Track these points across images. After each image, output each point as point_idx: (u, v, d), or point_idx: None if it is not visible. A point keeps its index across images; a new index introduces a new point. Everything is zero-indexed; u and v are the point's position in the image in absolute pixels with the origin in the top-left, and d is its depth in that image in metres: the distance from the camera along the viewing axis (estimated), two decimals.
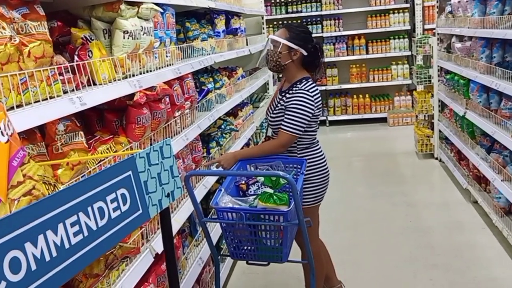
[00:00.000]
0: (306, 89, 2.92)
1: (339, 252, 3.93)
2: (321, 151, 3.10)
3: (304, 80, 2.97)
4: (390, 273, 3.80)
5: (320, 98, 3.02)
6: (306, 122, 2.90)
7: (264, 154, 2.95)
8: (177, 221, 2.78)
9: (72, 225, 0.85)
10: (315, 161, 3.03)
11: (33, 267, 0.76)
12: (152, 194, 1.09)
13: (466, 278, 3.63)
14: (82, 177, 1.81)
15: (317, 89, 2.99)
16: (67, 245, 0.83)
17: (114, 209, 0.96)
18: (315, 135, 3.09)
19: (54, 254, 0.80)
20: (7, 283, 0.70)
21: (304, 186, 2.96)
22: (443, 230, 4.46)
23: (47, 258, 0.79)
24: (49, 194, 1.00)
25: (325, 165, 3.10)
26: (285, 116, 2.91)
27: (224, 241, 3.83)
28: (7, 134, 0.95)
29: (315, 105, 2.94)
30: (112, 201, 0.96)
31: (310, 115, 2.91)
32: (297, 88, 2.95)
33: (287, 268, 3.60)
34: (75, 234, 0.86)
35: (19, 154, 0.96)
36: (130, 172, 1.02)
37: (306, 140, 3.03)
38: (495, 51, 4.37)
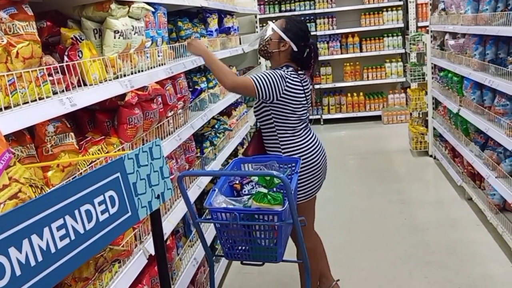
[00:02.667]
0: (282, 69, 2.96)
1: (333, 250, 3.92)
2: (307, 145, 3.03)
3: (284, 67, 3.00)
4: (385, 271, 3.79)
5: (299, 84, 2.99)
6: (271, 84, 2.87)
7: (221, 73, 2.89)
8: (171, 222, 2.76)
9: (59, 228, 0.83)
10: (300, 155, 2.98)
11: (18, 272, 0.74)
12: (141, 196, 1.07)
13: (461, 275, 3.63)
14: (72, 178, 1.79)
15: (295, 75, 2.98)
16: (53, 249, 0.81)
17: (102, 212, 0.95)
18: (297, 126, 3.02)
19: (40, 258, 0.78)
20: None
21: None
22: (438, 228, 4.46)
23: (32, 263, 0.77)
24: (36, 197, 0.98)
25: (313, 159, 3.03)
26: None
27: (218, 241, 3.82)
28: None
29: (289, 82, 2.93)
30: (100, 203, 0.94)
31: (277, 83, 2.88)
32: (274, 69, 3.00)
33: (282, 268, 3.59)
34: (62, 238, 0.84)
35: (4, 157, 0.94)
36: (118, 174, 1.01)
37: (287, 131, 3.00)
38: (488, 48, 4.37)
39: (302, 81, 3.03)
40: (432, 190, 5.62)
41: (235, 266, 4.01)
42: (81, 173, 1.87)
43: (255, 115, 3.15)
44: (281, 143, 3.03)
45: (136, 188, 1.05)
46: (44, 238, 0.80)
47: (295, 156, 2.99)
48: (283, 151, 3.02)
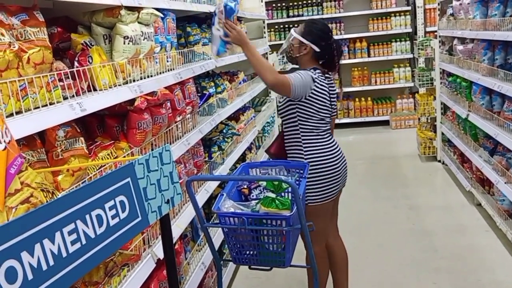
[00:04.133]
0: (310, 71, 3.00)
1: None
2: (329, 148, 3.04)
3: (312, 70, 3.03)
4: (393, 276, 3.78)
5: (326, 87, 3.03)
6: (304, 83, 2.92)
7: (261, 67, 2.88)
8: (179, 226, 2.77)
9: (70, 233, 0.84)
10: (317, 158, 3.00)
11: (30, 276, 0.75)
12: (151, 201, 1.08)
13: (470, 281, 3.61)
14: (82, 183, 1.81)
15: (322, 77, 3.03)
16: (64, 254, 0.82)
17: (113, 217, 0.96)
18: (320, 127, 3.03)
19: (51, 263, 0.79)
20: None
21: (308, 182, 2.97)
22: (446, 233, 4.43)
23: (44, 267, 0.78)
24: (47, 201, 0.99)
25: (334, 163, 3.03)
26: None
27: (226, 246, 3.82)
28: (4, 141, 0.94)
29: (317, 83, 2.97)
30: (110, 208, 0.95)
31: (308, 81, 2.93)
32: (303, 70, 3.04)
33: (290, 273, 3.59)
34: (73, 243, 0.85)
35: (16, 162, 0.95)
36: (129, 179, 1.02)
37: (311, 130, 3.01)
38: (497, 53, 4.36)
39: (329, 85, 3.07)
40: (441, 195, 5.59)
41: (242, 271, 4.01)
42: (90, 178, 1.89)
43: (280, 114, 3.17)
44: (304, 144, 3.02)
45: (146, 193, 1.06)
46: (55, 242, 0.81)
47: (317, 158, 3.00)
48: (305, 152, 3.01)
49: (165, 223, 1.21)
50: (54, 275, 0.79)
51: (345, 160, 3.16)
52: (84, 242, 0.87)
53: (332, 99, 3.11)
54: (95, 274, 1.18)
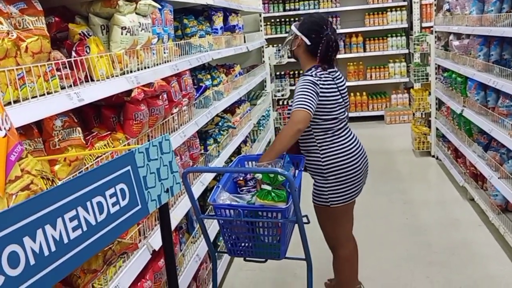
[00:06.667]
0: (311, 74, 2.90)
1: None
2: (347, 146, 2.94)
3: (313, 68, 2.95)
4: (388, 270, 3.80)
5: (332, 84, 2.93)
6: (312, 97, 2.79)
7: (284, 141, 2.75)
8: (175, 218, 2.78)
9: (71, 219, 0.85)
10: (336, 159, 2.91)
11: (32, 261, 0.75)
12: (151, 189, 1.08)
13: (463, 275, 3.64)
14: (79, 173, 1.81)
15: (326, 74, 2.93)
16: (66, 240, 0.83)
17: (113, 204, 0.96)
18: (334, 127, 2.93)
19: (53, 248, 0.79)
20: (5, 277, 0.70)
21: (330, 184, 2.93)
22: (440, 228, 4.46)
23: (46, 252, 0.78)
24: (47, 189, 0.99)
25: (353, 161, 2.94)
26: (293, 98, 2.88)
27: (221, 238, 3.83)
28: (4, 128, 0.94)
29: (321, 84, 2.86)
30: (111, 196, 0.95)
31: (314, 92, 2.81)
32: (304, 76, 2.94)
33: (283, 265, 3.61)
34: (74, 229, 0.85)
35: (17, 149, 0.95)
36: (129, 167, 1.02)
37: (326, 132, 2.92)
38: (492, 49, 4.37)
39: (335, 79, 2.98)
40: (434, 190, 5.63)
41: (236, 264, 4.02)
42: (87, 168, 1.89)
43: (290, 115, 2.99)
44: (320, 147, 2.93)
45: (146, 181, 1.07)
46: (57, 228, 0.81)
47: (335, 159, 2.91)
48: (321, 155, 2.92)
49: (164, 212, 1.21)
50: (55, 261, 0.79)
51: (365, 155, 3.07)
52: (85, 228, 0.88)
53: (342, 93, 3.00)
54: (94, 262, 1.19)
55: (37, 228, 0.77)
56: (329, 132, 2.93)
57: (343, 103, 2.98)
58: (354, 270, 3.24)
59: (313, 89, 2.82)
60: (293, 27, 3.05)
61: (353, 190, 2.98)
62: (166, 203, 1.19)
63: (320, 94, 2.86)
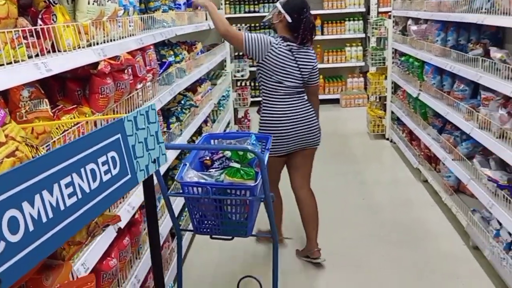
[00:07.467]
0: (274, 37, 3.48)
1: (293, 230, 4.01)
2: (280, 111, 3.45)
3: (279, 37, 3.47)
4: (344, 249, 3.89)
5: (288, 54, 3.41)
6: (257, 44, 3.38)
7: (218, 20, 3.46)
8: (139, 196, 2.73)
9: (67, 186, 0.81)
10: (268, 116, 3.48)
11: (31, 227, 0.72)
12: (139, 159, 1.05)
13: (417, 252, 3.77)
14: (47, 146, 1.74)
15: (284, 45, 3.41)
16: (62, 207, 0.79)
17: (105, 172, 0.92)
18: (275, 91, 3.45)
19: (51, 215, 0.76)
20: (6, 243, 0.66)
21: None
22: (395, 208, 4.60)
23: (44, 219, 0.75)
24: (32, 156, 0.95)
25: (277, 124, 3.44)
26: None
27: (183, 216, 3.81)
28: None
29: (274, 48, 3.39)
30: (103, 163, 0.92)
31: (263, 40, 3.39)
32: None
33: (243, 244, 3.63)
34: (70, 196, 0.81)
35: None
36: (119, 135, 0.98)
37: (266, 92, 3.49)
38: (449, 35, 4.50)
39: (295, 53, 3.42)
40: (389, 171, 5.78)
41: (197, 242, 4.01)
42: (54, 142, 1.82)
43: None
44: (263, 102, 3.53)
45: (135, 150, 1.03)
46: (54, 194, 0.78)
47: (268, 116, 3.48)
48: (262, 108, 3.52)
49: (148, 184, 1.18)
50: (53, 228, 0.76)
51: (298, 125, 3.48)
52: (80, 196, 0.84)
53: (302, 67, 3.45)
54: (78, 234, 1.15)
55: (35, 194, 0.73)
56: (273, 92, 3.47)
57: (298, 75, 3.45)
58: (277, 221, 3.64)
59: (264, 43, 3.39)
60: (278, 4, 3.51)
61: (278, 148, 3.47)
62: (151, 175, 1.16)
63: (270, 55, 3.39)
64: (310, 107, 3.55)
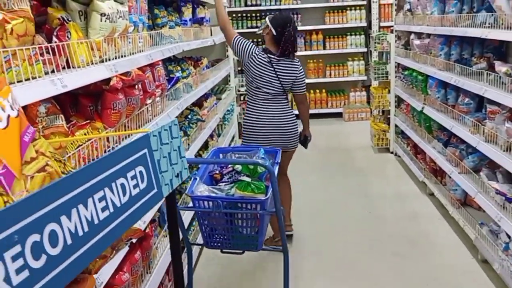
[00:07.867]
0: (258, 47, 3.93)
1: (299, 242, 4.00)
2: (256, 113, 3.86)
3: (262, 49, 3.93)
4: (350, 262, 3.88)
5: (266, 64, 3.81)
6: (242, 48, 3.86)
7: (220, 13, 4.02)
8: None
9: (100, 200, 0.82)
10: (246, 116, 3.94)
11: (69, 241, 0.73)
12: (164, 173, 1.07)
13: (423, 265, 3.75)
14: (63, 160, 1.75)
15: (263, 56, 3.83)
16: (96, 221, 0.80)
17: (134, 186, 0.94)
18: (255, 95, 3.88)
19: (86, 229, 0.77)
20: (47, 256, 0.67)
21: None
22: (401, 221, 4.59)
23: (80, 232, 0.76)
24: (62, 171, 0.96)
25: (252, 126, 3.86)
26: None
27: (191, 231, 3.81)
28: (16, 108, 0.90)
29: (254, 56, 3.82)
30: (132, 178, 0.93)
31: (248, 45, 3.86)
32: None
33: (252, 258, 3.63)
34: (103, 210, 0.83)
35: (29, 130, 0.91)
36: (146, 150, 1.00)
37: (249, 94, 3.96)
38: (453, 49, 4.53)
39: (274, 64, 3.82)
40: (394, 185, 5.78)
41: (205, 256, 4.00)
42: (69, 157, 1.83)
43: None
44: (247, 101, 3.98)
45: (160, 165, 1.05)
46: (89, 209, 0.79)
47: (246, 116, 3.92)
48: (245, 107, 3.97)
49: (171, 198, 1.19)
50: (88, 241, 0.77)
51: (274, 129, 3.84)
52: (111, 210, 0.85)
53: (281, 77, 3.83)
54: None
55: (71, 208, 0.74)
56: (253, 96, 3.91)
57: (277, 84, 3.84)
58: (287, 208, 4.03)
59: (248, 49, 3.85)
60: (267, 19, 3.91)
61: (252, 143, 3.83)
62: (173, 190, 1.18)
63: (250, 62, 3.84)
64: (290, 113, 3.92)
